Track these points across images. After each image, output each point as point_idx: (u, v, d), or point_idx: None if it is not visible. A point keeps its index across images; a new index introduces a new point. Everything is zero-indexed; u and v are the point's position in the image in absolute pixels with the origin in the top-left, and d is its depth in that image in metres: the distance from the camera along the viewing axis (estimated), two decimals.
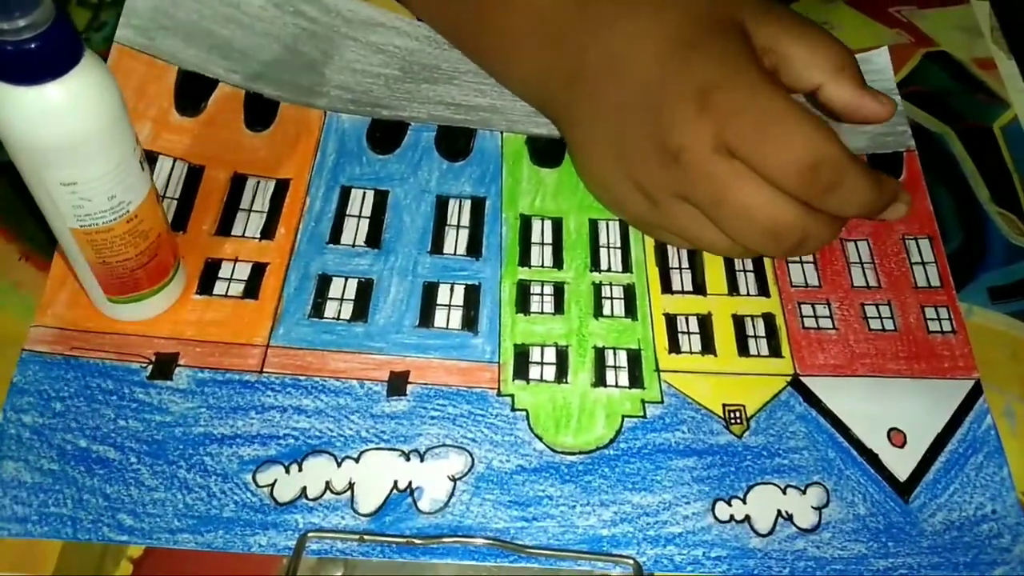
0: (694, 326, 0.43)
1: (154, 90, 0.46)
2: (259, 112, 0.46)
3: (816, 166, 0.37)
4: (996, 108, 0.52)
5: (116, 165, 0.33)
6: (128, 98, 0.45)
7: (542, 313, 0.43)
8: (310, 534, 0.36)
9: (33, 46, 0.28)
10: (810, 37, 0.42)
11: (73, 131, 0.31)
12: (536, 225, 0.45)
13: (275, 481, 0.37)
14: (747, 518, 0.38)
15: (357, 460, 0.38)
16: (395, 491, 0.37)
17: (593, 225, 0.45)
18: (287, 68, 0.48)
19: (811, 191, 0.38)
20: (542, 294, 0.43)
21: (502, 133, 0.48)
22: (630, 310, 0.43)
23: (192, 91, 0.46)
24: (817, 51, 0.42)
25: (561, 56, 0.42)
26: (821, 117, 0.38)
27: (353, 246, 0.44)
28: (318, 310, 0.41)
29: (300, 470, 0.37)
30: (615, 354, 0.42)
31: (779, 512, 0.38)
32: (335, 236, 0.44)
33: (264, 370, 0.40)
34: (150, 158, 0.44)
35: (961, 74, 0.53)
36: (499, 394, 0.40)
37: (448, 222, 0.45)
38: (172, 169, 0.44)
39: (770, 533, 0.38)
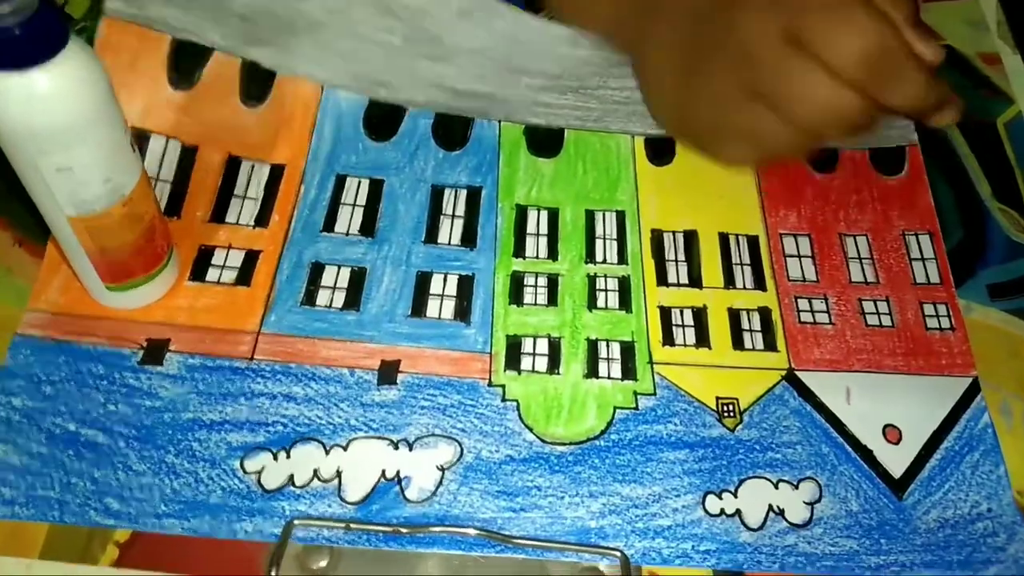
0: (689, 319, 0.42)
1: (146, 63, 0.45)
2: (255, 84, 0.46)
3: (874, 55, 0.38)
4: (1000, 104, 0.52)
5: (109, 147, 0.33)
6: (119, 73, 0.44)
7: (535, 305, 0.42)
8: (296, 521, 0.36)
9: (18, 32, 0.28)
10: None
11: (63, 115, 0.31)
12: (532, 215, 0.45)
13: (263, 468, 0.37)
14: (738, 512, 0.37)
15: (345, 448, 0.38)
16: (383, 480, 0.37)
17: (589, 216, 0.45)
18: (287, 33, 0.46)
19: (869, 80, 0.38)
20: (536, 286, 0.43)
21: (500, 122, 0.48)
22: (624, 302, 0.43)
23: (186, 61, 0.45)
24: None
25: None
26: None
27: (347, 235, 0.43)
28: (310, 298, 0.41)
29: (288, 457, 0.37)
30: (608, 346, 0.41)
31: (770, 507, 0.38)
32: (329, 224, 0.44)
33: (255, 357, 0.40)
34: (142, 136, 0.44)
35: (966, 69, 0.53)
36: (490, 384, 0.40)
37: (443, 212, 0.45)
38: (165, 149, 0.44)
39: (760, 528, 0.37)
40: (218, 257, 0.42)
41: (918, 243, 0.46)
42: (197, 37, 0.46)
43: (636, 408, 0.40)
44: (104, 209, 0.34)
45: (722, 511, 0.37)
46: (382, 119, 0.47)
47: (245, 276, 0.42)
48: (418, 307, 0.42)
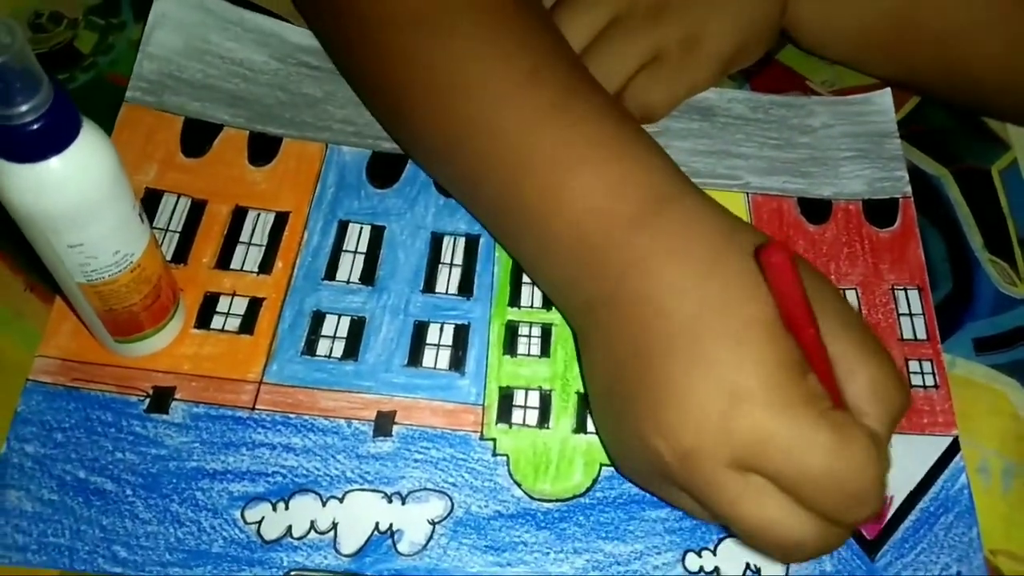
0: None
1: (161, 136, 0.47)
2: (262, 149, 0.48)
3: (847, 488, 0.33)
4: (995, 150, 0.52)
5: (119, 222, 0.34)
6: (135, 144, 0.47)
7: (528, 355, 0.44)
8: (294, 573, 0.38)
9: (36, 127, 0.29)
10: (878, 371, 0.35)
11: (77, 199, 0.32)
12: None
13: (263, 518, 0.39)
14: (716, 570, 0.39)
15: (341, 500, 0.39)
16: (376, 532, 0.39)
17: None
18: (291, 109, 0.49)
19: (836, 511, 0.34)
20: (529, 335, 0.44)
21: None
22: None
23: (198, 136, 0.48)
24: (877, 391, 0.35)
25: (592, 278, 0.38)
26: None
27: (348, 283, 0.45)
28: (311, 347, 0.43)
29: (287, 508, 0.39)
30: None
31: (748, 565, 0.39)
32: (331, 272, 0.45)
33: (256, 407, 0.41)
34: (155, 196, 0.46)
35: (962, 112, 0.53)
36: (482, 437, 0.41)
37: (442, 260, 0.46)
38: (176, 204, 0.46)
39: None
40: (223, 304, 0.44)
41: (907, 298, 0.46)
42: (209, 118, 0.48)
43: None
44: (113, 276, 0.36)
45: (701, 569, 0.39)
46: (385, 167, 0.48)
47: (248, 324, 0.43)
48: (415, 357, 0.43)
